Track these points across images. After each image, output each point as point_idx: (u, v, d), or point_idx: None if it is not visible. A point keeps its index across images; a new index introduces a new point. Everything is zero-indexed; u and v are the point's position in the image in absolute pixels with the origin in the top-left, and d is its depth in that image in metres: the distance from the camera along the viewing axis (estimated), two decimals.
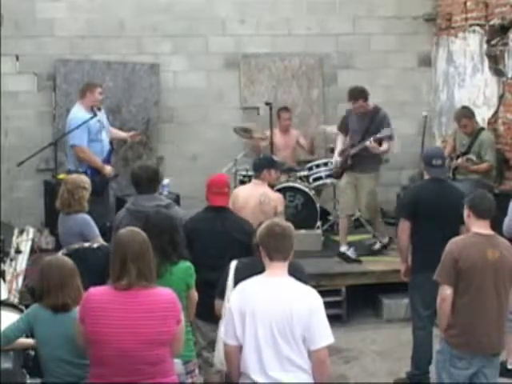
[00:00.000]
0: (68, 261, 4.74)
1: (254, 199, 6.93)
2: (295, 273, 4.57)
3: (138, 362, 4.08)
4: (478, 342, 5.31)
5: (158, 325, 4.11)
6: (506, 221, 6.67)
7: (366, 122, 8.75)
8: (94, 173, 8.39)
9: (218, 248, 5.82)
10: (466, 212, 5.48)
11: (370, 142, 8.53)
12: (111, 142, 8.93)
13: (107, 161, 8.76)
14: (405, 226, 6.62)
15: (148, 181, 6.24)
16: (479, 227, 5.40)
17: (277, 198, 7.15)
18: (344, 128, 9.03)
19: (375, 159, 8.79)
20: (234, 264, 5.18)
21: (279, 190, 8.98)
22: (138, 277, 4.13)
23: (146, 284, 4.15)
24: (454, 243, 5.41)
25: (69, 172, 8.51)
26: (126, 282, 4.11)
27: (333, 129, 9.93)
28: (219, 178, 6.37)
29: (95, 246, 5.94)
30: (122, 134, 9.49)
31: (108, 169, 8.65)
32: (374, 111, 8.81)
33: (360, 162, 8.73)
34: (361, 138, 8.71)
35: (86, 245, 6.00)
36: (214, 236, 5.86)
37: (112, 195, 9.74)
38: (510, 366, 6.89)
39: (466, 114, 8.96)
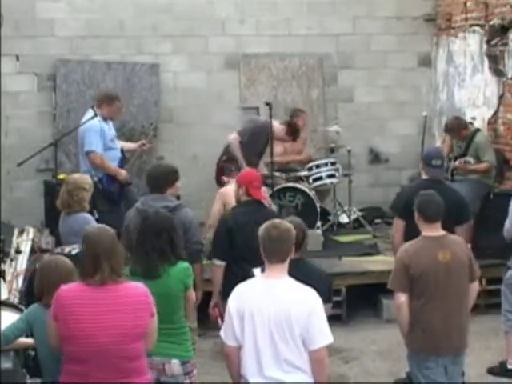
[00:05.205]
0: (67, 261, 4.75)
1: None
2: (313, 282, 4.59)
3: (113, 356, 4.11)
4: (438, 344, 5.30)
5: (132, 318, 4.14)
6: (507, 222, 6.66)
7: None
8: (111, 182, 8.28)
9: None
10: (415, 215, 5.51)
11: None
12: (122, 150, 8.75)
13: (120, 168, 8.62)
14: (399, 225, 6.63)
15: (156, 180, 6.24)
16: (428, 230, 5.41)
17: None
18: None
19: None
20: (258, 271, 5.11)
21: (279, 191, 9.00)
22: (111, 273, 4.17)
23: (117, 279, 4.19)
24: (403, 250, 5.43)
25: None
26: (99, 278, 4.15)
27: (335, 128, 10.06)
28: (255, 173, 6.58)
29: (74, 252, 5.86)
30: (131, 146, 9.20)
31: (123, 173, 8.37)
32: None
33: None
34: None
35: (66, 250, 5.94)
36: (258, 228, 5.80)
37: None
38: (509, 366, 6.89)
39: (454, 127, 8.89)
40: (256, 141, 8.89)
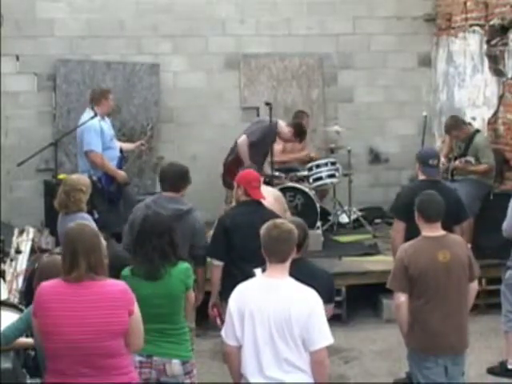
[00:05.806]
0: None
1: (268, 197, 6.89)
2: (313, 282, 4.58)
3: (89, 353, 4.08)
4: (437, 344, 5.30)
5: (107, 315, 4.11)
6: (505, 223, 6.66)
7: None
8: (109, 181, 8.27)
9: (257, 241, 5.80)
10: (416, 214, 5.50)
11: None
12: (121, 150, 8.73)
13: (119, 168, 8.56)
14: (399, 227, 6.61)
15: (174, 179, 6.23)
16: (429, 230, 5.41)
17: (281, 196, 7.35)
18: None
19: None
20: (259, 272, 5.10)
21: (279, 191, 8.99)
22: (88, 270, 4.14)
23: (95, 276, 4.16)
24: (403, 250, 5.43)
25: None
26: (76, 274, 4.13)
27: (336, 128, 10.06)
28: (254, 173, 6.49)
29: None
30: (130, 146, 9.22)
31: (122, 175, 8.42)
32: None
33: None
34: None
35: None
36: (255, 228, 5.81)
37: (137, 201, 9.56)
38: (510, 366, 6.89)
39: (453, 125, 8.86)
40: (264, 141, 8.88)
